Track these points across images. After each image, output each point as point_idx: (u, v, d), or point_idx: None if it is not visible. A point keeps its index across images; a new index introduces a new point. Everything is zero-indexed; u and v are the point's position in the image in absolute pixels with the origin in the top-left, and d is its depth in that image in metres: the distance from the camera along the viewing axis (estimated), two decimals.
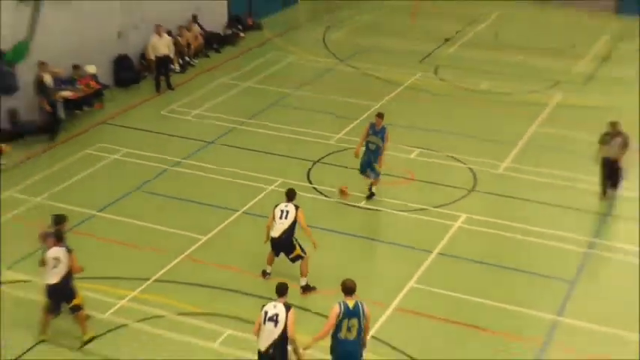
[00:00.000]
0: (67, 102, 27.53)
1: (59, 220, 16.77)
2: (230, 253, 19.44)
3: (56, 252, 15.97)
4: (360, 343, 14.30)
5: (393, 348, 16.47)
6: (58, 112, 26.83)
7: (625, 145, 20.97)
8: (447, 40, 36.51)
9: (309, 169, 24.25)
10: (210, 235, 20.54)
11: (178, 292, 18.26)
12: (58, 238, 16.20)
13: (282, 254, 18.27)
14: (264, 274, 18.67)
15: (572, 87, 30.89)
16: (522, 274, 19.16)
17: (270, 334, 14.05)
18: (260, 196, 22.38)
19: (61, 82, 27.63)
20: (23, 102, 26.85)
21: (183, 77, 32.12)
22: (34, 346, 16.60)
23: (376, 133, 21.78)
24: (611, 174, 21.43)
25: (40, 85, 26.49)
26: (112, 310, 17.57)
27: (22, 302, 18.03)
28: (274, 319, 14.09)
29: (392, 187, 23.15)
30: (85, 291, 16.99)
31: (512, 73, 32.25)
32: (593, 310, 18.03)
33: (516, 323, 17.39)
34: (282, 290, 14.39)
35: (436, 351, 16.39)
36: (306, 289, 18.22)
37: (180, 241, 19.91)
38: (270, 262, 18.58)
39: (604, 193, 21.88)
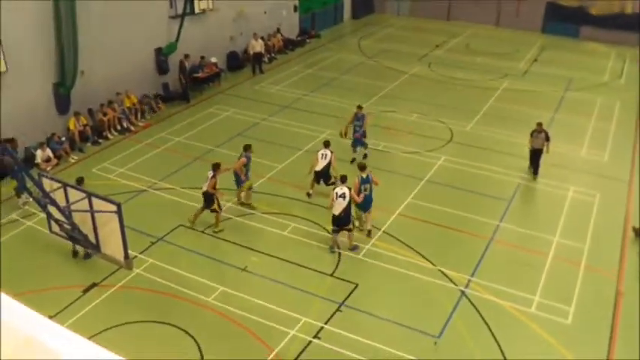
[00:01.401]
0: (197, 80, 27.97)
1: (215, 166, 17.04)
2: (292, 177, 19.52)
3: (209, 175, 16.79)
4: (371, 196, 16.65)
5: (399, 240, 16.71)
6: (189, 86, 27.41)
7: (547, 138, 19.77)
8: (437, 46, 36.21)
9: (347, 125, 24.11)
10: (283, 165, 20.71)
11: (263, 199, 18.41)
12: (215, 168, 16.91)
13: (321, 182, 18.72)
14: (308, 194, 18.93)
15: (514, 77, 30.56)
16: (479, 195, 19.39)
17: (341, 204, 15.81)
18: (316, 141, 22.38)
19: (194, 67, 28.04)
20: (171, 78, 27.22)
21: (270, 66, 32.10)
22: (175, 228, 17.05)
23: (359, 119, 20.59)
24: (535, 160, 20.12)
25: (181, 68, 26.84)
26: (223, 208, 18.05)
27: (169, 202, 18.42)
28: (343, 196, 15.81)
29: (398, 137, 23.21)
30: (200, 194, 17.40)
31: (477, 68, 31.98)
32: (522, 219, 18.13)
33: (474, 225, 17.51)
34: (344, 179, 16.20)
35: (426, 242, 16.76)
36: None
37: (265, 169, 20.05)
38: (312, 187, 18.86)
39: (533, 173, 20.35)
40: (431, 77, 30.73)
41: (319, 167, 18.39)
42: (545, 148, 19.85)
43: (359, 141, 20.85)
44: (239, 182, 17.97)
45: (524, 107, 26.55)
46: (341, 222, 16.06)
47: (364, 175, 16.45)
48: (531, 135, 20.03)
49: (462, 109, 26.16)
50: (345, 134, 20.92)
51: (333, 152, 18.72)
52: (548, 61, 33.50)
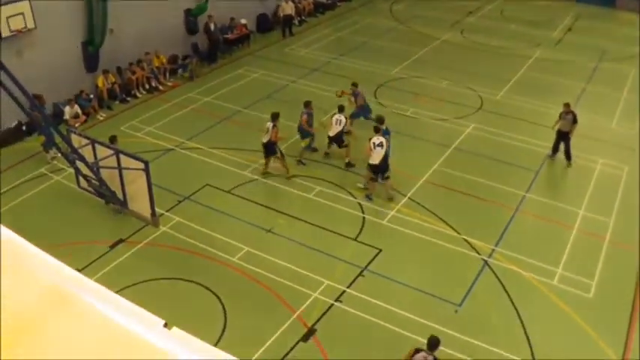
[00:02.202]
0: (226, 41, 27.94)
1: (274, 116, 17.80)
2: (319, 141, 19.44)
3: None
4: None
5: (424, 207, 16.69)
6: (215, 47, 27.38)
7: (575, 120, 18.62)
8: (469, 13, 35.40)
9: (376, 90, 24.03)
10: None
11: (290, 162, 18.54)
12: (274, 118, 17.71)
13: (334, 145, 18.81)
14: (326, 153, 19.18)
15: (547, 46, 29.94)
16: (506, 164, 19.19)
17: (379, 154, 16.39)
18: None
19: (224, 29, 28.02)
20: (200, 39, 27.20)
21: (300, 29, 31.76)
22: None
23: (356, 95, 20.59)
24: (561, 142, 18.96)
25: (206, 28, 26.96)
26: (249, 170, 18.04)
27: (196, 162, 18.64)
28: (381, 145, 16.41)
29: (427, 103, 22.99)
30: (227, 155, 17.44)
31: (510, 35, 31.37)
32: (549, 190, 18.00)
33: (500, 195, 17.40)
34: (377, 129, 16.92)
35: (451, 210, 16.69)
36: (348, 165, 18.64)
37: (292, 131, 20.04)
38: (329, 148, 19.07)
39: (553, 154, 19.36)
40: (463, 44, 30.25)
41: (333, 132, 18.47)
42: (571, 131, 18.86)
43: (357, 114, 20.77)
44: (304, 135, 19.06)
45: (556, 77, 26.09)
46: (379, 170, 16.59)
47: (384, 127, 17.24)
48: (560, 116, 19.08)
49: (493, 77, 25.77)
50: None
51: (348, 118, 18.86)
52: (582, 31, 32.74)
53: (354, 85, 20.66)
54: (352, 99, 20.60)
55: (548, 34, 32.18)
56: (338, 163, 18.71)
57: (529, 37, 31.35)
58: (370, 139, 16.60)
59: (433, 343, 10.35)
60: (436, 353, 10.32)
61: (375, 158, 16.42)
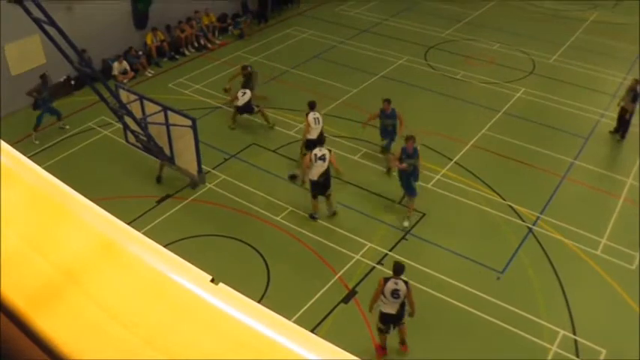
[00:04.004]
0: (277, 0, 27.84)
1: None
2: (366, 103, 19.26)
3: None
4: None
5: (470, 172, 16.50)
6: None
7: (634, 99, 17.59)
8: None
9: (426, 52, 23.71)
10: (357, 89, 20.45)
11: (336, 123, 18.48)
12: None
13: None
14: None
15: (605, 9, 28.95)
16: (556, 130, 18.83)
17: (321, 167, 14.00)
18: (392, 67, 22.17)
19: None
20: None
21: None
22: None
23: (388, 117, 16.12)
24: (625, 121, 18.10)
25: None
26: (295, 130, 17.90)
27: (243, 120, 18.68)
28: (323, 158, 14.00)
29: (478, 67, 22.60)
30: (275, 115, 17.82)
31: None
32: (597, 158, 17.62)
33: (548, 162, 17.09)
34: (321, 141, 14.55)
35: (497, 176, 16.54)
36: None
37: (339, 92, 19.87)
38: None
39: (616, 132, 18.42)
40: (517, 5, 29.44)
41: (314, 134, 15.86)
42: (629, 110, 17.93)
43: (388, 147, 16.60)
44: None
45: (612, 41, 25.23)
46: (322, 186, 14.43)
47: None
48: (626, 93, 18.06)
49: (547, 40, 25.10)
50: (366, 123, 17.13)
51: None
52: None
53: (387, 101, 16.23)
54: (399, 123, 16.34)
55: None
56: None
57: None
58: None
59: (398, 269, 10.93)
60: (403, 277, 10.89)
61: (315, 174, 14.20)
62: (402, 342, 11.56)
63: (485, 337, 11.83)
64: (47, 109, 17.71)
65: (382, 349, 11.51)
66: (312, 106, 15.99)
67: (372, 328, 11.68)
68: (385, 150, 16.52)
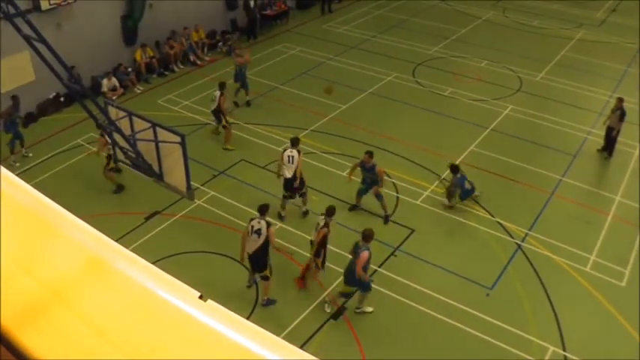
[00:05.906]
0: (266, 17, 28.03)
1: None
2: (355, 119, 19.34)
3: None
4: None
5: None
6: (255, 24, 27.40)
7: (621, 118, 17.79)
8: None
9: (414, 69, 23.78)
10: (346, 106, 20.56)
11: (324, 139, 18.41)
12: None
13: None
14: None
15: (590, 27, 29.31)
16: (544, 147, 18.94)
17: (255, 242, 12.17)
18: (381, 83, 22.29)
19: (263, 5, 28.20)
20: (239, 14, 27.15)
21: (339, 6, 31.54)
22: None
23: (367, 170, 14.98)
24: (608, 138, 18.28)
25: (245, 5, 27.10)
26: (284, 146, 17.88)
27: (232, 137, 18.65)
28: (258, 232, 12.11)
29: (466, 84, 22.70)
30: (264, 131, 17.62)
31: (553, 16, 30.71)
32: (586, 175, 17.75)
33: (536, 178, 17.21)
34: (263, 210, 12.21)
35: (486, 192, 16.36)
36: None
37: (328, 108, 19.97)
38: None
39: (604, 150, 18.57)
40: (504, 23, 29.74)
41: (287, 174, 14.95)
42: (617, 128, 18.01)
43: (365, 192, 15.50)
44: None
45: (597, 59, 25.54)
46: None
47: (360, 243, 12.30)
48: (611, 112, 18.27)
49: (534, 58, 25.33)
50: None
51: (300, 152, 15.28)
52: (626, 12, 31.88)
53: (368, 154, 14.99)
54: (379, 179, 15.04)
55: (591, 14, 31.45)
56: (378, 143, 18.62)
57: (572, 17, 30.71)
58: (250, 221, 12.45)
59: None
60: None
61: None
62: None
63: (475, 353, 11.81)
64: (14, 132, 17.43)
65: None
66: (292, 142, 15.09)
67: (362, 344, 11.64)
68: (358, 195, 15.49)
